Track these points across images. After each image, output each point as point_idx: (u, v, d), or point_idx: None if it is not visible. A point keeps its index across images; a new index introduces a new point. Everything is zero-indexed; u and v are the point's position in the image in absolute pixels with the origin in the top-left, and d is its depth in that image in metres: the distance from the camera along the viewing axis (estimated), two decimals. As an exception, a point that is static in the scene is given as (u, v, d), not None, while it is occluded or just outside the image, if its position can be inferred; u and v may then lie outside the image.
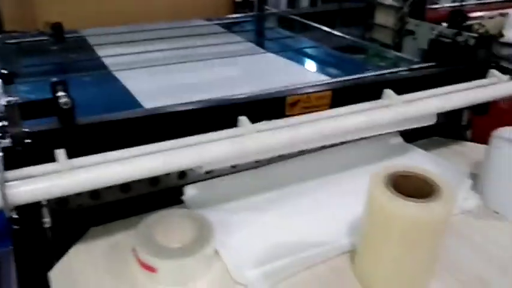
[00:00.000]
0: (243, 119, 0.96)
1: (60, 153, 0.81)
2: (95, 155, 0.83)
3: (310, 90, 1.09)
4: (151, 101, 1.33)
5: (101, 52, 1.87)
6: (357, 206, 0.86)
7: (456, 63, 1.32)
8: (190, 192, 1.05)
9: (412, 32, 2.92)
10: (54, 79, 0.90)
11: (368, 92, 1.10)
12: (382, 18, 5.39)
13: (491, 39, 1.44)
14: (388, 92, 1.09)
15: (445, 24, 2.67)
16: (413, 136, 1.34)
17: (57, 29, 1.88)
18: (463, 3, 2.66)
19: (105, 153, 0.84)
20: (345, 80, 1.20)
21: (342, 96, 1.10)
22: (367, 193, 0.82)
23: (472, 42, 1.30)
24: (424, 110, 1.07)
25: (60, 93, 0.87)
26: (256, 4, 2.53)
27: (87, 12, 2.25)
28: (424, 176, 0.84)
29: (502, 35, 2.32)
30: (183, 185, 1.06)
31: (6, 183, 0.73)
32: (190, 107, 1.04)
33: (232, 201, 1.05)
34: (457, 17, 2.62)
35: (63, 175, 0.77)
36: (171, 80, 1.61)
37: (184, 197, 1.04)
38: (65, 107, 0.87)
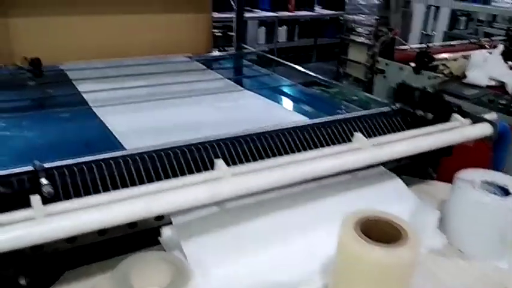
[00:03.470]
0: (219, 162, 0.99)
1: (35, 199, 0.82)
2: (71, 201, 0.85)
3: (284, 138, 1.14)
4: (130, 140, 1.36)
5: (80, 87, 1.90)
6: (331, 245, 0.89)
7: (422, 107, 1.39)
8: (167, 233, 1.07)
9: (382, 71, 3.08)
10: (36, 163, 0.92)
11: (339, 135, 1.16)
12: (355, 54, 5.61)
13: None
14: (358, 136, 1.15)
15: (412, 64, 2.83)
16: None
17: (35, 64, 1.90)
18: (429, 44, 2.81)
19: (81, 198, 0.86)
20: (316, 131, 1.25)
21: (313, 143, 1.15)
22: (338, 236, 0.86)
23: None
24: (392, 154, 1.13)
25: (43, 181, 0.89)
26: (235, 41, 2.61)
27: (67, 46, 2.28)
28: (392, 220, 0.89)
29: (464, 76, 2.45)
30: (160, 226, 1.08)
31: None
32: (168, 149, 1.07)
33: (209, 239, 1.07)
34: (424, 57, 2.77)
35: (39, 223, 0.78)
36: (150, 118, 1.64)
37: (161, 239, 1.06)
38: (48, 196, 0.88)
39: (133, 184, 1.01)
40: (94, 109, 1.66)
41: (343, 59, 5.65)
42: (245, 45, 2.61)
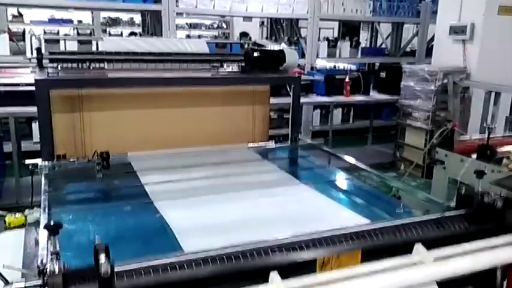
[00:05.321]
0: (274, 276, 0.99)
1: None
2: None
3: (341, 248, 1.13)
4: (189, 239, 1.38)
5: (144, 179, 1.99)
6: None
7: (483, 221, 1.32)
8: None
9: (442, 162, 3.00)
10: (97, 242, 0.96)
11: (398, 248, 1.12)
12: (412, 138, 5.52)
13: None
14: (419, 248, 1.11)
15: (474, 156, 2.74)
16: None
17: (104, 157, 2.03)
18: (490, 136, 2.73)
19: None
20: (375, 239, 1.22)
21: (372, 253, 1.13)
22: None
23: (499, 204, 1.30)
24: (455, 270, 1.08)
25: (101, 259, 0.93)
26: (290, 132, 2.67)
27: (132, 137, 2.42)
28: None
29: (531, 171, 2.33)
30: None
31: None
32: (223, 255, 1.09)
33: None
34: (486, 150, 2.68)
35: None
36: (208, 214, 1.67)
37: None
38: (105, 276, 0.92)
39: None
40: (155, 203, 1.72)
41: (400, 143, 5.58)
42: (300, 137, 2.66)
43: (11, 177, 3.92)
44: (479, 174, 1.41)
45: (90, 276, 0.93)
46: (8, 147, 4.07)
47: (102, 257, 0.92)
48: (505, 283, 1.42)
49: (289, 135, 2.64)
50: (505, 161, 2.48)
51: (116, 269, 1.00)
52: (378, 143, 6.39)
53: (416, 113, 5.32)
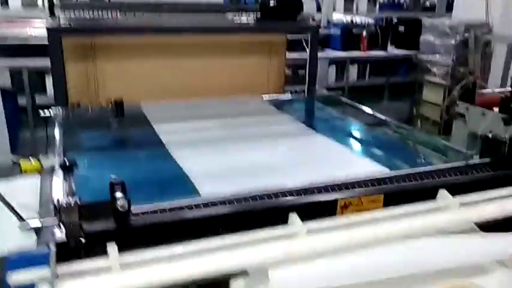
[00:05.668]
0: (294, 218, 0.96)
1: (112, 248, 0.84)
2: (147, 251, 0.85)
3: (363, 191, 1.09)
4: (206, 185, 1.37)
5: (158, 128, 1.96)
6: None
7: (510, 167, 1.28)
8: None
9: (462, 115, 2.92)
10: (113, 178, 0.94)
11: (421, 193, 1.09)
12: (430, 95, 5.38)
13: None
14: (443, 193, 1.07)
15: (496, 109, 2.65)
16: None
17: (118, 105, 2.00)
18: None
19: (157, 248, 0.87)
20: (397, 183, 1.18)
21: (394, 198, 1.09)
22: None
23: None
24: (482, 215, 1.04)
25: (118, 194, 0.91)
26: (307, 83, 2.61)
27: (146, 86, 2.38)
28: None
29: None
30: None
31: (56, 280, 0.75)
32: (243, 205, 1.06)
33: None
34: (509, 103, 2.59)
35: (114, 273, 0.79)
36: (224, 161, 1.64)
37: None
38: (121, 209, 0.90)
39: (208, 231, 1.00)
40: (170, 151, 1.70)
41: (418, 99, 5.46)
42: (316, 88, 2.60)
43: (26, 130, 3.94)
44: (507, 121, 1.35)
45: (107, 211, 0.91)
46: (22, 101, 4.08)
47: (119, 192, 0.90)
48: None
49: (306, 87, 2.58)
50: (529, 114, 2.39)
51: (133, 210, 0.98)
52: (394, 100, 6.27)
53: (435, 69, 5.17)
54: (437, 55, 5.17)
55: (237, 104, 2.40)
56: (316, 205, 1.09)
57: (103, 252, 0.85)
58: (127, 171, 1.56)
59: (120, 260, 0.83)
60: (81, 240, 0.88)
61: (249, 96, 2.51)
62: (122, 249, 0.86)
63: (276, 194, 1.11)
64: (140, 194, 1.09)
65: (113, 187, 0.91)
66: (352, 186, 1.13)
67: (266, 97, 2.53)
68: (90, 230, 0.90)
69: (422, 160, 1.67)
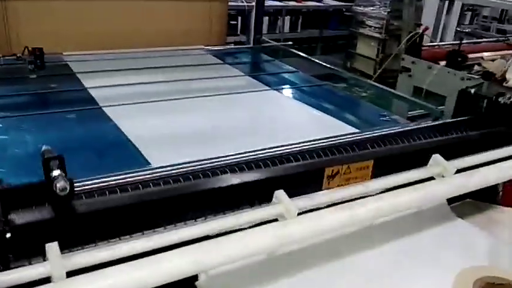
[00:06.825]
0: (280, 194, 0.78)
1: (52, 249, 0.61)
2: (96, 251, 0.64)
3: (350, 156, 0.93)
4: (153, 151, 1.16)
5: (87, 82, 1.68)
6: None
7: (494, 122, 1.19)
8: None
9: (408, 69, 2.87)
10: (46, 150, 0.69)
11: (414, 158, 0.96)
12: (364, 48, 5.37)
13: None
14: (437, 158, 0.95)
15: (443, 63, 2.63)
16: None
17: (37, 54, 1.67)
18: (460, 42, 2.61)
19: (111, 245, 0.66)
20: (387, 147, 1.04)
21: (384, 165, 0.95)
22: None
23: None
24: (481, 182, 0.93)
25: (55, 173, 0.66)
26: (252, 33, 2.39)
27: (71, 34, 2.03)
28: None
29: (504, 79, 2.24)
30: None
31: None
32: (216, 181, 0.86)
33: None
34: (456, 56, 2.57)
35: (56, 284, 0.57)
36: (171, 122, 1.41)
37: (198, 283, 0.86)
38: (61, 193, 0.65)
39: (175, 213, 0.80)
40: (105, 109, 1.44)
41: (352, 53, 5.43)
42: (265, 38, 2.39)
43: None
44: (487, 76, 1.25)
45: (40, 195, 0.67)
46: None
47: (56, 170, 0.66)
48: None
49: (252, 37, 2.36)
50: (476, 67, 2.37)
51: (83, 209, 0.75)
52: (327, 54, 6.21)
53: (370, 21, 5.12)
54: (371, 8, 5.12)
55: (176, 56, 2.14)
56: (298, 176, 0.92)
57: (38, 254, 0.63)
58: (54, 136, 1.29)
59: (63, 265, 0.61)
60: (5, 236, 0.65)
61: (188, 47, 2.25)
62: (64, 247, 0.64)
63: (254, 163, 0.91)
64: (75, 164, 0.84)
65: (48, 163, 0.67)
66: (338, 151, 0.96)
67: (207, 48, 2.28)
68: (19, 222, 0.67)
69: (387, 118, 1.56)
